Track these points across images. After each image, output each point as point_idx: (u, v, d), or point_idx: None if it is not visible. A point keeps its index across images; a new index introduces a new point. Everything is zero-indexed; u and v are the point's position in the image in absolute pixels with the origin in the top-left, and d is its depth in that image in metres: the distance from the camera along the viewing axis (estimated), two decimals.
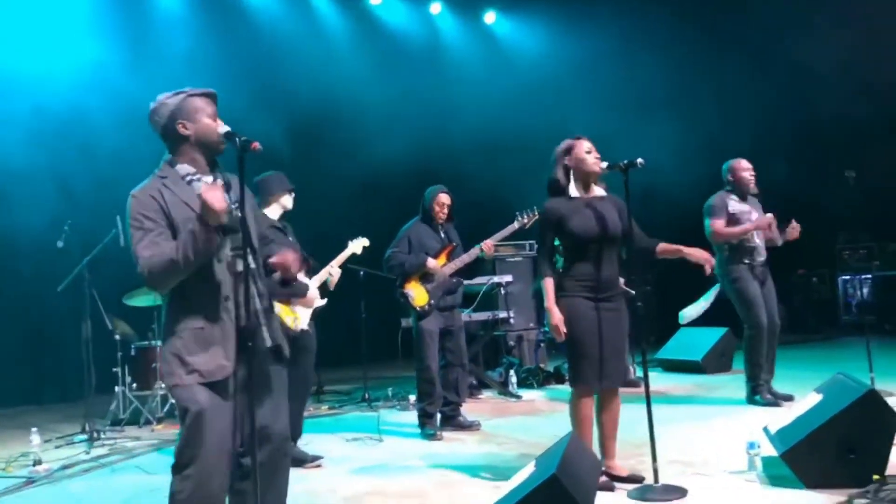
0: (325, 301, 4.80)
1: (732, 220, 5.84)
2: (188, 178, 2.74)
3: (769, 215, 5.82)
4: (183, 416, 2.64)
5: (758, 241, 5.87)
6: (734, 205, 5.86)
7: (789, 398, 5.65)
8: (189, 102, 2.75)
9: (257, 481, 2.53)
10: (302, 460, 4.74)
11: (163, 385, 2.76)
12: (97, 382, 6.43)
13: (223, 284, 2.70)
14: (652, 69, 10.80)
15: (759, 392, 5.77)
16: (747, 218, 5.83)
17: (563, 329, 3.80)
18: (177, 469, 2.66)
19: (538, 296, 7.70)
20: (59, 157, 8.17)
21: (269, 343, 2.76)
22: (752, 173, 5.91)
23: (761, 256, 5.89)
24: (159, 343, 2.77)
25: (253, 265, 2.75)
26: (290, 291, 4.49)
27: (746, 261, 5.83)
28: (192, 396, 2.62)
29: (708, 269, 3.98)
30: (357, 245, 5.27)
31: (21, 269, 8.26)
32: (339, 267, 5.02)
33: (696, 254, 3.97)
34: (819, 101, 10.33)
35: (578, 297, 3.85)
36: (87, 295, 6.39)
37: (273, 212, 4.81)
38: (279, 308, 4.38)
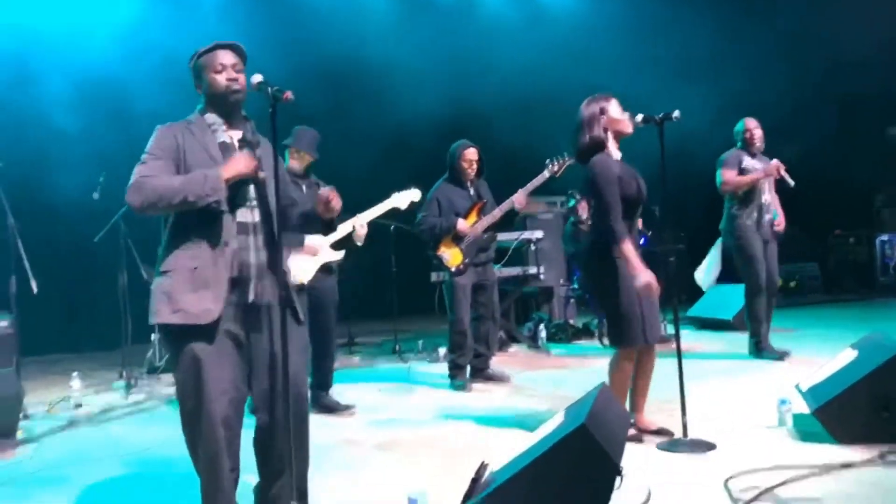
0: (340, 254, 4.70)
1: (744, 175, 5.92)
2: (213, 128, 2.79)
3: (775, 161, 5.87)
4: (176, 362, 2.67)
5: (766, 197, 5.95)
6: (747, 160, 5.94)
7: (785, 355, 5.82)
8: (200, 62, 2.82)
9: (285, 430, 2.58)
10: (334, 408, 4.85)
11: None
12: (133, 331, 6.58)
13: (224, 230, 2.69)
14: (690, 29, 10.52)
15: (763, 346, 5.95)
16: (745, 185, 5.92)
17: (656, 285, 3.63)
18: (182, 421, 2.71)
19: (575, 258, 7.68)
20: (96, 111, 8.25)
21: (250, 298, 2.72)
22: (756, 130, 5.97)
23: (768, 214, 5.96)
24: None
25: (257, 220, 2.76)
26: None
27: (754, 216, 5.91)
28: (187, 346, 2.63)
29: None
30: (403, 198, 4.76)
31: (58, 221, 8.40)
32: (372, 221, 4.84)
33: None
34: (857, 61, 10.02)
35: (618, 259, 3.76)
36: (122, 246, 6.51)
37: (294, 163, 4.82)
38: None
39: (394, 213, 4.87)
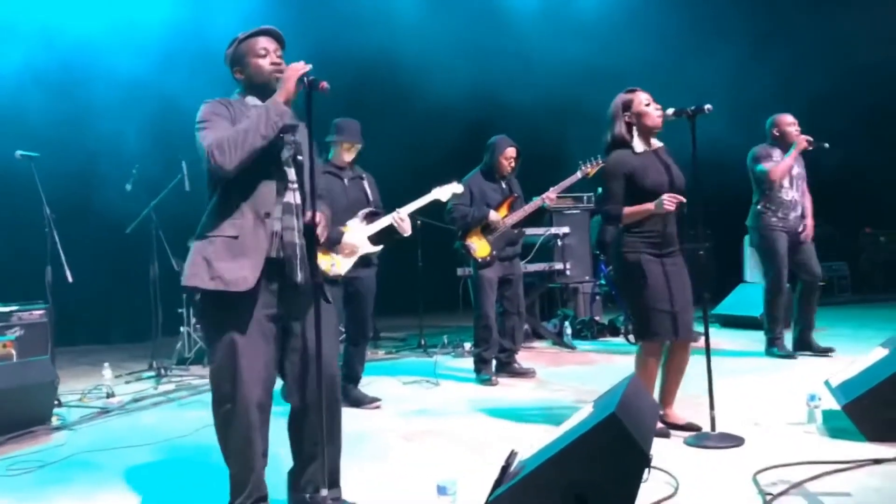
0: (378, 248, 4.78)
1: None
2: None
3: (802, 137, 5.80)
4: (213, 341, 2.70)
5: (794, 195, 5.91)
6: (778, 155, 5.90)
7: (829, 351, 5.77)
8: (240, 48, 2.84)
9: (320, 414, 2.61)
10: (361, 401, 4.88)
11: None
12: (163, 323, 6.68)
13: (266, 201, 2.73)
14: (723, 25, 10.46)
15: (776, 344, 5.92)
16: (790, 171, 5.86)
17: (672, 204, 3.69)
18: (215, 405, 2.74)
19: (600, 247, 7.69)
20: (132, 107, 8.37)
21: (299, 278, 2.75)
22: (797, 127, 5.92)
23: (795, 211, 5.92)
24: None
25: (298, 202, 2.80)
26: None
27: (780, 214, 5.88)
28: (224, 326, 2.67)
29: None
30: (444, 191, 5.02)
31: (91, 212, 8.52)
32: (417, 210, 4.94)
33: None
34: (889, 55, 9.88)
35: (644, 254, 3.80)
36: (154, 237, 6.60)
37: (337, 155, 4.87)
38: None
39: (434, 205, 5.03)
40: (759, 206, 5.98)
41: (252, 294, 2.67)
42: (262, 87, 2.80)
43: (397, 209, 4.78)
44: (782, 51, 10.40)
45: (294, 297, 2.77)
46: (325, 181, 4.50)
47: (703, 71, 9.74)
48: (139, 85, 8.41)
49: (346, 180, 4.88)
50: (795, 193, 5.93)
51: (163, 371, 6.32)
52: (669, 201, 3.69)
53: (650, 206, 3.74)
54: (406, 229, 4.75)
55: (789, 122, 5.95)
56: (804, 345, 5.92)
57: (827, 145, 5.80)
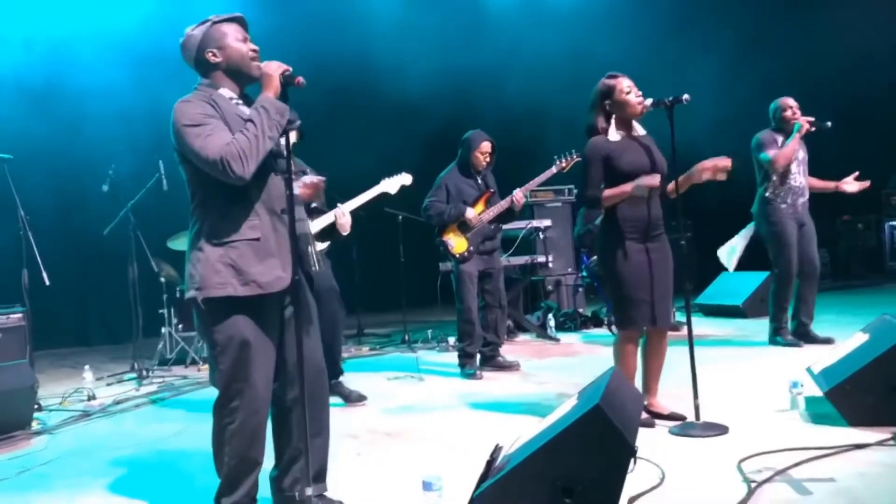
0: (325, 245, 4.55)
1: None
2: (234, 102, 2.72)
3: (804, 119, 5.68)
4: (222, 343, 2.61)
5: (801, 180, 5.80)
6: (782, 141, 5.77)
7: (829, 341, 5.62)
8: (215, 29, 2.72)
9: (305, 410, 2.57)
10: (347, 397, 4.83)
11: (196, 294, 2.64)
12: (144, 324, 6.62)
13: (279, 198, 2.68)
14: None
15: (781, 333, 5.84)
16: (795, 156, 5.74)
17: (653, 180, 3.69)
18: (223, 403, 2.67)
19: (582, 241, 7.71)
20: (105, 106, 8.28)
21: (316, 268, 2.75)
22: (796, 111, 5.79)
23: (803, 197, 5.82)
24: (195, 251, 2.64)
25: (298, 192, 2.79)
26: None
27: (789, 200, 5.76)
28: (234, 326, 2.61)
29: (724, 171, 3.79)
30: (392, 183, 4.69)
31: (67, 214, 8.43)
32: (362, 206, 4.65)
33: (708, 167, 3.78)
34: (870, 45, 9.96)
35: (627, 240, 3.80)
36: (132, 238, 6.53)
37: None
38: None
39: (383, 198, 4.71)
40: (766, 194, 5.81)
41: (275, 294, 2.65)
42: (239, 74, 2.73)
43: (339, 204, 4.51)
44: (765, 45, 10.49)
45: (298, 287, 2.70)
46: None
47: (685, 62, 9.81)
48: (115, 86, 8.32)
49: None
50: (802, 179, 5.80)
51: (144, 372, 6.27)
52: (648, 180, 3.68)
53: (627, 187, 3.73)
54: (346, 227, 4.43)
55: (789, 105, 5.80)
56: (804, 336, 5.80)
57: (829, 124, 5.65)
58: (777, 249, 5.80)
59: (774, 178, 5.77)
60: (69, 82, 8.33)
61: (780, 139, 5.78)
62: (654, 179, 3.70)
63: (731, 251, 6.68)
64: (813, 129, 5.70)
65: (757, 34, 10.63)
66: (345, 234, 4.49)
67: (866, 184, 5.74)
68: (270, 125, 2.57)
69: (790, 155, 5.68)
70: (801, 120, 5.68)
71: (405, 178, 4.76)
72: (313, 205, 4.57)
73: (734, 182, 5.84)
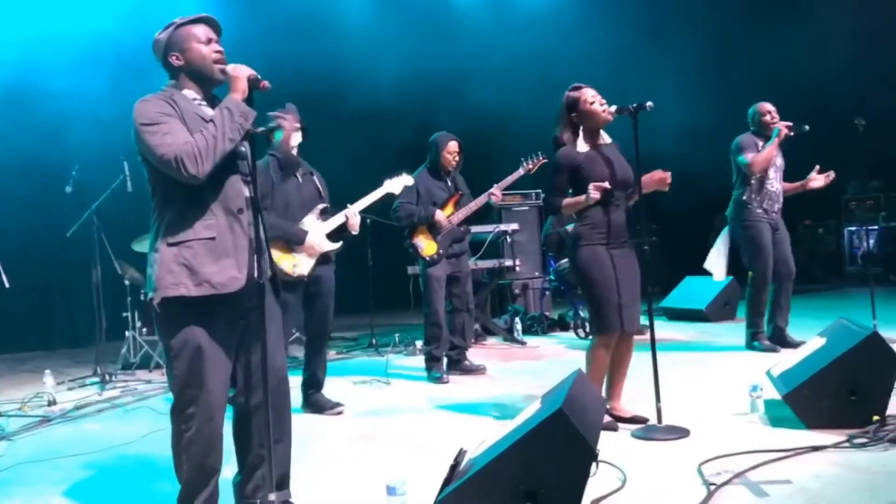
0: (338, 245, 4.70)
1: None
2: (196, 102, 2.70)
3: (782, 123, 5.71)
4: (176, 349, 2.58)
5: (777, 185, 5.85)
6: (762, 145, 5.78)
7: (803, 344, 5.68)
8: (178, 33, 2.69)
9: (269, 414, 2.55)
10: (323, 406, 4.75)
11: (152, 296, 2.59)
12: (107, 327, 6.53)
13: (238, 196, 2.66)
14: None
15: (758, 338, 5.85)
16: (773, 161, 5.79)
17: (599, 188, 3.75)
18: (178, 409, 2.64)
19: (548, 243, 7.78)
20: (68, 100, 8.15)
21: (268, 274, 2.73)
22: (774, 116, 5.83)
23: (779, 203, 5.87)
24: (153, 252, 2.61)
25: (252, 195, 2.71)
26: (286, 236, 4.50)
27: (765, 205, 5.80)
28: (189, 332, 2.58)
29: (664, 183, 3.91)
30: (396, 183, 4.97)
31: (29, 215, 8.29)
32: (369, 206, 4.87)
33: (651, 179, 3.91)
34: (828, 52, 10.18)
35: (596, 245, 3.86)
36: (96, 240, 6.44)
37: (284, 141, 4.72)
38: (277, 253, 4.39)
39: (386, 203, 4.99)
40: (743, 197, 5.83)
41: (227, 296, 2.60)
42: (202, 77, 2.71)
43: (349, 205, 4.70)
44: (731, 54, 10.66)
45: (250, 296, 2.66)
46: (265, 179, 4.24)
47: (652, 68, 9.94)
48: (79, 86, 8.20)
49: (299, 177, 4.70)
50: (778, 185, 5.85)
51: (107, 377, 6.17)
52: (594, 190, 3.75)
53: (581, 197, 3.81)
54: (355, 227, 4.69)
55: (768, 110, 5.84)
56: (780, 341, 5.80)
57: (807, 127, 5.65)
58: (753, 253, 5.81)
59: (753, 182, 5.79)
60: (32, 83, 8.19)
61: (759, 143, 5.80)
62: (601, 185, 3.76)
63: (716, 260, 6.71)
64: (792, 133, 5.71)
65: (723, 44, 10.81)
66: (354, 233, 4.74)
67: (831, 174, 5.79)
68: (232, 127, 2.55)
69: (768, 158, 5.71)
70: (779, 125, 5.69)
71: (407, 179, 5.04)
72: (323, 206, 4.68)
73: (701, 186, 5.96)
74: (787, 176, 6.03)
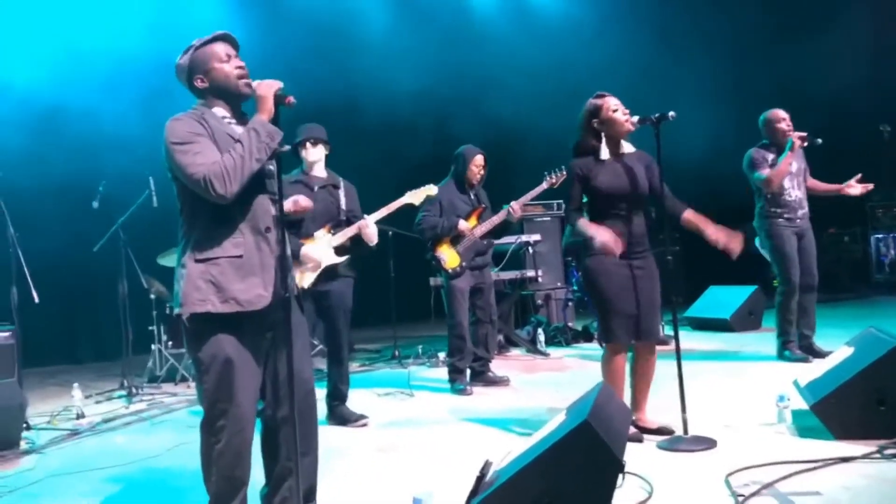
0: (344, 258, 4.68)
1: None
2: (226, 121, 2.74)
3: (795, 134, 5.62)
4: (206, 362, 2.61)
5: (797, 194, 5.79)
6: (773, 158, 5.73)
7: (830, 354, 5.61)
8: (198, 54, 2.74)
9: (296, 426, 2.58)
10: (347, 419, 4.76)
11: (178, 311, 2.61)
12: (133, 341, 6.60)
13: (266, 215, 2.70)
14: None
15: (789, 347, 5.76)
16: (788, 171, 5.71)
17: (619, 240, 3.73)
18: (209, 423, 2.66)
19: (568, 252, 7.77)
20: (94, 118, 8.29)
21: (295, 290, 2.77)
22: (789, 123, 5.75)
23: (802, 209, 5.81)
24: (180, 268, 2.64)
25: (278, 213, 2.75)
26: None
27: (787, 215, 5.76)
28: (218, 345, 2.60)
29: (734, 252, 3.82)
30: (417, 195, 4.89)
31: (57, 231, 8.40)
32: (387, 217, 4.83)
33: (720, 237, 3.82)
34: (850, 59, 10.11)
35: (602, 256, 3.83)
36: (122, 255, 6.53)
37: (303, 159, 4.78)
38: None
39: (406, 209, 4.92)
40: (764, 209, 5.82)
41: (253, 311, 2.64)
42: (229, 94, 2.74)
43: (364, 216, 4.69)
44: (752, 64, 10.62)
45: (276, 311, 2.69)
46: (291, 191, 4.35)
47: (672, 79, 9.92)
48: (107, 102, 8.33)
49: (315, 187, 4.74)
50: (798, 192, 5.78)
51: (134, 390, 6.25)
52: (602, 246, 3.70)
53: (590, 231, 3.76)
54: (372, 238, 4.63)
55: (780, 118, 5.77)
56: (807, 350, 5.76)
57: (820, 141, 5.60)
58: (778, 262, 5.79)
59: (769, 195, 5.76)
60: (61, 98, 8.33)
61: (770, 156, 5.74)
62: (613, 248, 3.70)
63: None
64: (805, 144, 5.66)
65: (744, 52, 10.76)
66: (372, 244, 4.67)
67: (870, 186, 5.77)
68: (259, 147, 2.58)
69: (784, 174, 5.66)
70: (793, 136, 5.61)
71: (430, 189, 4.96)
72: (336, 220, 4.69)
73: (724, 194, 5.92)
74: (815, 175, 5.97)
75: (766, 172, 5.68)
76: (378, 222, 4.73)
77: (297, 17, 9.82)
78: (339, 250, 4.67)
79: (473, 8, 11.31)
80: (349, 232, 4.67)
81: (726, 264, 6.36)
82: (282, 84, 2.67)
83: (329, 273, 4.64)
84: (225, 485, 2.67)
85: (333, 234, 4.69)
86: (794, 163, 5.77)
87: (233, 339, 2.63)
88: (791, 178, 5.77)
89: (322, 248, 4.60)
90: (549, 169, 5.60)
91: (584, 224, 3.82)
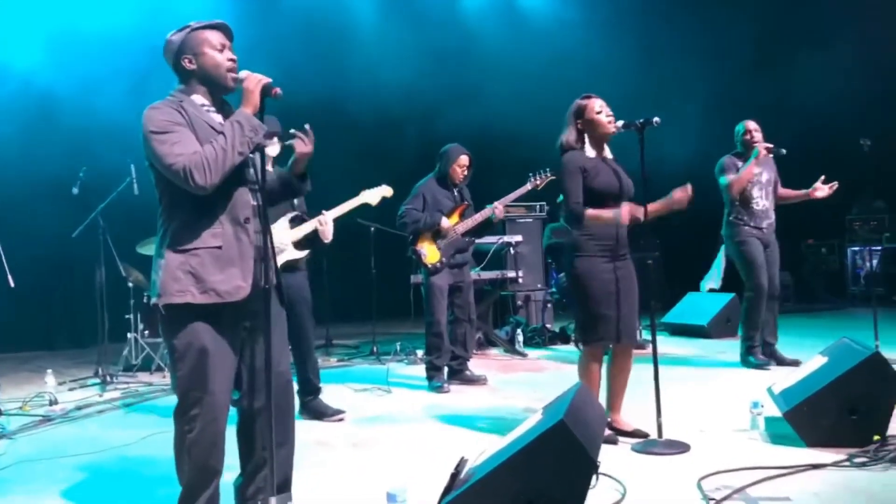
0: (304, 253, 4.61)
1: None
2: (205, 109, 2.71)
3: (761, 145, 5.79)
4: (180, 350, 2.59)
5: (765, 203, 5.94)
6: (741, 165, 5.89)
7: (796, 363, 5.68)
8: (193, 36, 2.70)
9: (272, 416, 2.56)
10: (323, 413, 4.74)
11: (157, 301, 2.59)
12: (110, 329, 6.55)
13: (246, 206, 2.68)
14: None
15: (753, 353, 5.89)
16: (758, 179, 5.89)
17: (635, 213, 3.83)
18: (182, 411, 2.65)
19: (550, 252, 7.79)
20: (76, 102, 8.20)
21: (274, 280, 2.75)
22: (756, 134, 5.94)
23: (768, 219, 5.95)
24: (158, 258, 2.62)
25: (260, 202, 2.73)
26: None
27: (753, 224, 5.90)
28: (193, 333, 2.59)
29: (684, 201, 3.82)
30: (373, 194, 4.77)
31: (36, 216, 8.32)
32: (343, 215, 4.70)
33: (674, 200, 3.82)
34: (833, 73, 10.22)
35: (596, 258, 3.87)
36: (101, 242, 6.47)
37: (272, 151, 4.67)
38: None
39: (365, 208, 4.81)
40: (731, 217, 5.97)
41: (234, 302, 2.63)
42: (214, 83, 2.72)
43: (323, 212, 4.61)
44: (740, 78, 10.71)
45: (255, 301, 2.67)
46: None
47: (661, 83, 9.97)
48: (87, 87, 8.25)
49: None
50: (766, 202, 5.92)
51: (108, 378, 6.19)
52: (626, 215, 3.81)
53: (610, 214, 3.81)
54: (328, 235, 4.56)
55: (749, 129, 5.96)
56: (771, 356, 5.88)
57: (784, 151, 5.79)
58: (746, 269, 5.91)
59: (737, 202, 5.91)
60: (41, 82, 8.25)
61: (740, 164, 5.92)
62: (635, 213, 3.82)
63: (715, 277, 6.79)
64: (771, 154, 5.86)
65: (730, 65, 10.85)
66: (326, 241, 4.57)
67: (834, 185, 5.87)
68: (242, 141, 2.57)
69: (745, 180, 5.83)
70: (759, 146, 5.80)
71: (386, 190, 4.84)
72: (293, 214, 4.60)
73: (704, 203, 5.98)
74: (792, 186, 6.07)
75: (729, 177, 5.89)
76: (361, 219, 4.71)
77: (286, 9, 9.78)
78: (297, 245, 4.58)
79: (463, 6, 11.32)
80: (308, 227, 4.57)
81: (704, 272, 6.47)
82: (270, 80, 2.65)
83: (289, 267, 4.54)
84: (198, 474, 2.66)
85: (292, 228, 4.59)
86: (764, 173, 5.94)
87: (209, 328, 2.61)
88: (760, 187, 5.93)
89: (282, 242, 4.50)
90: (533, 170, 5.63)
91: (596, 211, 3.83)
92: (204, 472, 2.66)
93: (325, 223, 4.53)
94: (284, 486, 2.84)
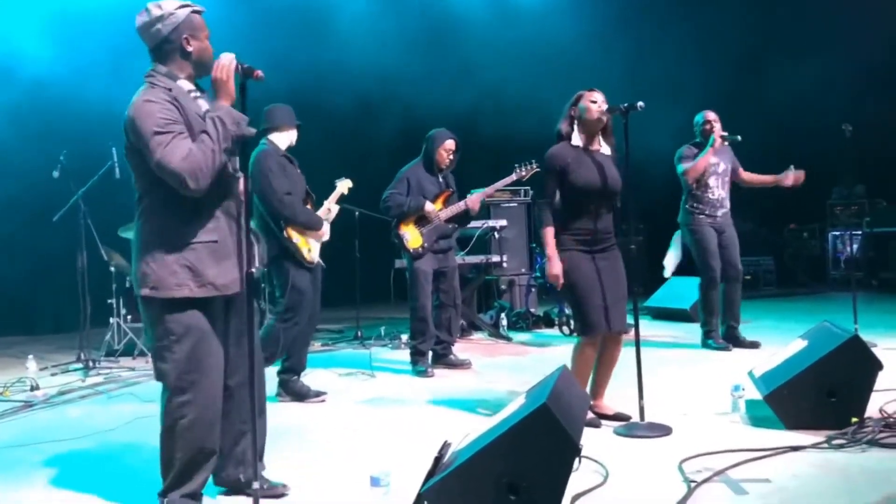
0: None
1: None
2: (193, 95, 2.71)
3: (716, 132, 5.92)
4: (178, 333, 2.63)
5: (721, 193, 6.09)
6: (697, 154, 6.03)
7: (755, 345, 5.94)
8: (193, 18, 2.69)
9: (254, 394, 2.61)
10: (305, 395, 4.76)
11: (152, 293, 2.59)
12: (92, 314, 6.50)
13: (235, 198, 2.72)
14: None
15: (712, 337, 6.07)
16: (714, 170, 6.04)
17: (562, 280, 3.87)
18: (174, 395, 2.66)
19: (537, 238, 7.81)
20: (56, 83, 8.09)
21: (256, 263, 2.80)
22: (714, 124, 6.03)
23: (724, 208, 6.12)
24: (149, 251, 2.63)
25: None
26: (307, 223, 4.61)
27: (707, 212, 6.06)
28: (190, 317, 2.63)
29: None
30: (343, 185, 4.97)
31: (16, 199, 8.21)
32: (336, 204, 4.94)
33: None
34: (815, 59, 10.26)
35: (574, 251, 3.91)
36: (82, 226, 6.41)
37: (281, 142, 4.75)
38: (298, 239, 4.52)
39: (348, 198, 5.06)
40: (687, 205, 6.15)
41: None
42: (204, 68, 2.72)
43: (328, 199, 4.87)
44: (709, 45, 10.70)
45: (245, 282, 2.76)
46: (283, 163, 4.64)
47: (648, 73, 9.96)
48: (68, 70, 8.13)
49: (296, 165, 4.78)
50: (721, 191, 6.09)
51: (91, 363, 6.15)
52: (552, 269, 3.87)
53: (550, 249, 3.89)
54: (331, 219, 4.90)
55: (709, 119, 6.07)
56: (732, 340, 6.04)
57: (739, 138, 5.92)
58: (699, 256, 6.11)
59: (695, 191, 6.06)
60: (18, 66, 8.11)
61: (697, 153, 6.05)
62: (556, 282, 3.88)
63: (670, 259, 6.95)
64: (725, 143, 5.99)
65: (714, 54, 10.84)
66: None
67: (801, 173, 5.99)
68: (226, 137, 2.58)
69: (700, 169, 5.96)
70: (715, 133, 5.93)
71: (348, 182, 4.96)
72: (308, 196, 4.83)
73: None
74: (774, 171, 6.14)
75: (685, 165, 6.04)
76: (343, 202, 4.89)
77: None
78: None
79: None
80: (325, 211, 4.83)
81: (686, 256, 6.50)
82: (234, 56, 2.62)
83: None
84: (196, 456, 2.70)
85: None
86: (721, 163, 6.07)
87: (201, 315, 2.67)
88: (717, 177, 6.07)
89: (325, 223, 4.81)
90: (519, 160, 5.64)
91: (549, 238, 3.90)
92: (202, 454, 2.71)
93: (333, 210, 4.86)
94: (259, 456, 2.89)
